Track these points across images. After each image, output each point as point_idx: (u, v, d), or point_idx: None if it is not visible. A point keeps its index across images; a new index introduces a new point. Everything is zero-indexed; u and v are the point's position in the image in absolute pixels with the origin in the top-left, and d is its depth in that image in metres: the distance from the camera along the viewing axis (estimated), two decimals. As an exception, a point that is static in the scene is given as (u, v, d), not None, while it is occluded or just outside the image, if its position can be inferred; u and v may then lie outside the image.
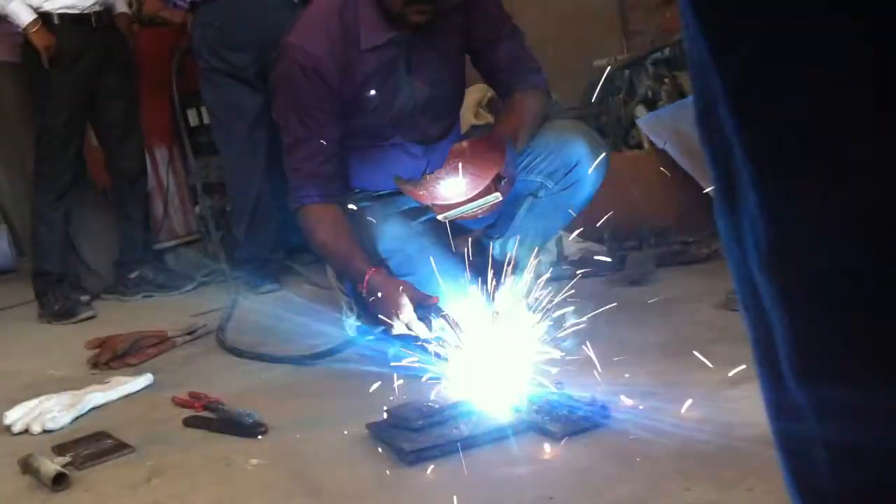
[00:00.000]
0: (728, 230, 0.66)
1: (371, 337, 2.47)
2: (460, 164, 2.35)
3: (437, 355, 2.20)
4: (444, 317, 2.22)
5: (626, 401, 1.92)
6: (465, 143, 2.46)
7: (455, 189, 2.34)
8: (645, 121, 3.88)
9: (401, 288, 2.30)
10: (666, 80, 4.05)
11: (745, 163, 0.60)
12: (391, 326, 2.31)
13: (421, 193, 2.41)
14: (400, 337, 2.33)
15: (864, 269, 0.57)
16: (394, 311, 2.28)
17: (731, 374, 1.94)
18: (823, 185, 0.57)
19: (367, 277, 2.37)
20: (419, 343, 2.26)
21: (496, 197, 2.32)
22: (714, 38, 0.61)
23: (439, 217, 2.38)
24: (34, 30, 3.79)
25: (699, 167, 3.40)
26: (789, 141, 0.58)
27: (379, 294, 2.33)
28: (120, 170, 4.27)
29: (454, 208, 2.35)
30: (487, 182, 2.30)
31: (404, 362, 2.20)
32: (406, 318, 2.27)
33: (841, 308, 0.59)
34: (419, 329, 2.26)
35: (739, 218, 0.63)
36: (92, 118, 4.15)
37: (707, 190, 3.26)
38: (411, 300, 2.27)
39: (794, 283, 0.60)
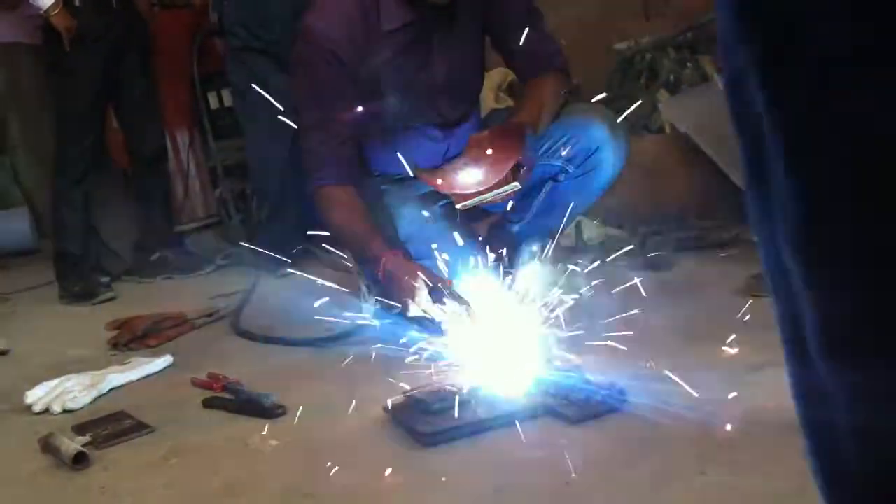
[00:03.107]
0: (757, 206, 0.65)
1: (388, 320, 2.47)
2: (478, 154, 2.35)
3: (451, 338, 2.20)
4: (458, 300, 2.22)
5: (644, 385, 1.91)
6: (483, 133, 2.46)
7: (473, 178, 2.34)
8: (667, 105, 3.85)
9: (415, 271, 2.30)
10: (688, 63, 4.02)
11: (774, 135, 0.59)
12: (406, 309, 2.31)
13: (438, 182, 2.41)
14: (415, 320, 2.33)
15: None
16: (408, 294, 2.28)
17: (749, 359, 1.94)
18: (852, 157, 0.56)
19: (382, 260, 2.37)
20: (434, 326, 2.26)
21: (514, 186, 2.32)
22: (742, 11, 0.60)
23: (457, 206, 2.38)
24: (55, 12, 3.80)
25: (721, 152, 3.38)
26: (817, 113, 0.57)
27: (394, 277, 2.34)
28: (140, 152, 4.29)
29: (472, 197, 2.35)
30: (506, 171, 2.30)
31: (420, 345, 2.21)
32: (420, 302, 2.27)
33: (871, 287, 0.57)
34: (434, 312, 2.26)
35: (769, 193, 0.62)
36: (112, 100, 4.16)
37: (728, 173, 3.24)
38: (426, 283, 2.27)
39: (823, 260, 0.60)
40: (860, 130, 0.55)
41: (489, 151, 2.35)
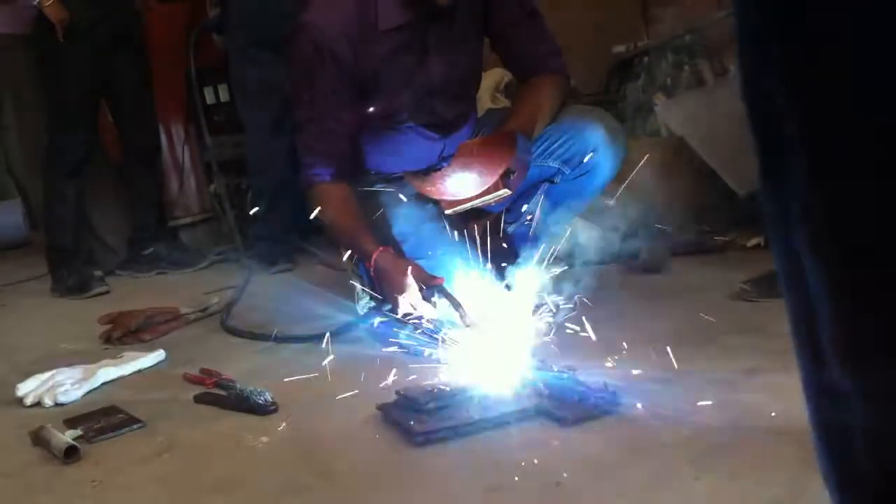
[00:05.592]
0: (771, 204, 0.63)
1: (380, 318, 2.47)
2: (468, 161, 2.36)
3: (442, 336, 2.20)
4: (450, 299, 2.22)
5: (638, 388, 1.91)
6: (474, 140, 2.47)
7: (462, 185, 2.34)
8: (663, 108, 3.85)
9: (406, 268, 2.31)
10: (686, 66, 4.03)
11: (798, 130, 0.58)
12: (397, 306, 2.31)
13: (428, 189, 2.41)
14: (406, 317, 2.33)
15: None
16: (399, 291, 2.28)
17: (743, 363, 1.94)
18: (879, 155, 0.54)
19: (374, 257, 2.38)
20: (425, 324, 2.27)
21: (504, 192, 2.32)
22: (771, 7, 0.59)
23: (447, 212, 2.39)
24: (48, 3, 3.79)
25: (715, 155, 3.38)
26: (845, 107, 0.55)
27: (385, 274, 2.34)
28: (133, 145, 4.28)
29: (461, 204, 2.36)
30: (495, 178, 2.30)
31: (412, 344, 2.21)
32: (411, 299, 2.27)
33: (893, 288, 0.56)
34: (424, 310, 2.26)
35: (784, 190, 0.60)
36: (106, 93, 4.15)
37: (723, 176, 3.24)
38: (417, 280, 2.27)
39: (843, 259, 0.58)
40: (889, 128, 0.54)
41: (478, 159, 2.35)
